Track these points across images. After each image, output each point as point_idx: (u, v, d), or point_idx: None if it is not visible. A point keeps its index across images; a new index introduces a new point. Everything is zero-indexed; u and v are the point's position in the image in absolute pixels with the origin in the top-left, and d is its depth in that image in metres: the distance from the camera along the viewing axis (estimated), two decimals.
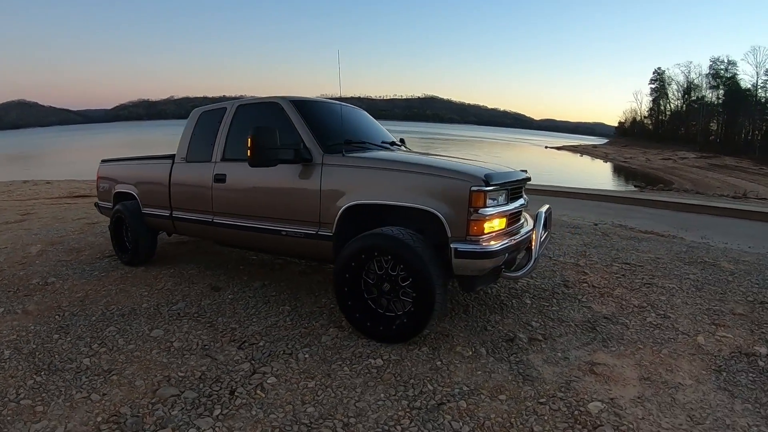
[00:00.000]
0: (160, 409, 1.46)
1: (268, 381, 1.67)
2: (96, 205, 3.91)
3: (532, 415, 1.54)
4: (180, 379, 1.67)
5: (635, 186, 16.06)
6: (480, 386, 1.71)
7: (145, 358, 1.81)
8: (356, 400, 1.58)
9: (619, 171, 25.21)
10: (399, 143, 3.15)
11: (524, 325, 2.28)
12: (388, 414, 1.49)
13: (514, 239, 2.12)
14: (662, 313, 2.53)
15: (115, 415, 1.43)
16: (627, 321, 2.39)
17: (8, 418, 1.41)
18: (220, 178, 2.68)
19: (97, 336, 1.99)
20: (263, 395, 1.57)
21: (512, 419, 1.52)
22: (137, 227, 3.18)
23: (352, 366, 1.81)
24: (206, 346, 1.95)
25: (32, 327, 2.04)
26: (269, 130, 2.17)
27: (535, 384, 1.74)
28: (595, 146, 48.11)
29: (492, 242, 1.98)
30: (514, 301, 2.65)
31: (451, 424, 1.47)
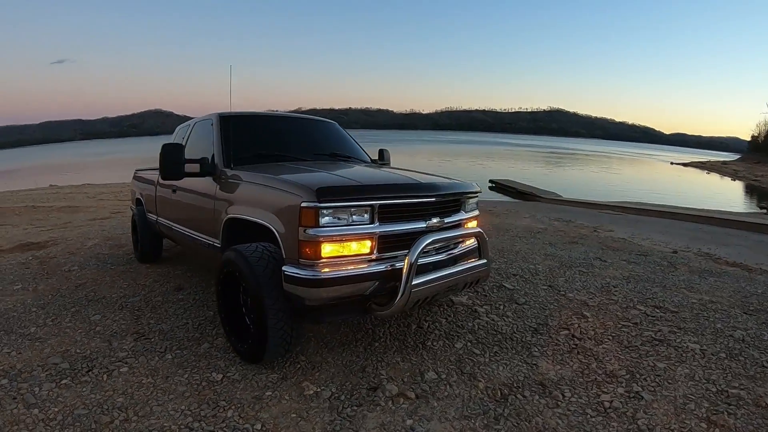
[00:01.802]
0: (36, 371, 2.19)
1: (121, 370, 2.26)
2: (130, 208, 5.36)
3: None
4: (72, 353, 2.39)
5: (761, 208, 14.85)
6: (270, 429, 1.83)
7: (68, 335, 2.63)
8: (160, 403, 1.99)
9: (747, 191, 23.67)
10: (344, 157, 3.37)
11: (414, 375, 2.28)
12: (164, 423, 1.86)
13: (382, 269, 2.07)
14: (638, 389, 2.18)
15: (12, 369, 2.22)
16: (568, 396, 2.11)
17: None
18: (174, 189, 3.41)
19: (56, 314, 2.93)
20: (104, 379, 2.16)
21: None
22: (142, 229, 4.29)
23: (193, 374, 2.24)
24: (115, 333, 2.69)
25: (28, 301, 3.14)
26: (176, 146, 2.73)
27: None
28: (724, 163, 46.66)
29: (338, 268, 1.99)
30: (442, 342, 2.68)
31: None
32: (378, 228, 2.10)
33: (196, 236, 3.07)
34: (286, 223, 2.07)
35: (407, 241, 2.16)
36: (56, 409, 1.91)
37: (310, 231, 1.95)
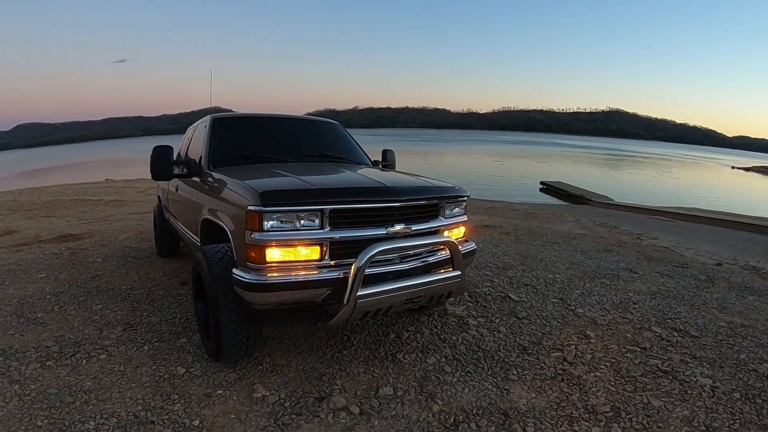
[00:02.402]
0: (30, 351, 2.52)
1: (100, 357, 2.53)
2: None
3: None
4: (65, 338, 2.72)
5: None
6: (206, 427, 1.95)
7: (68, 322, 2.99)
8: (120, 391, 2.21)
9: None
10: (335, 158, 3.44)
11: (369, 389, 2.29)
12: (116, 409, 2.06)
13: (336, 276, 2.08)
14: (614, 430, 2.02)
15: (9, 348, 2.59)
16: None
17: None
18: (177, 188, 3.70)
19: (65, 302, 3.32)
20: (82, 363, 2.44)
21: None
22: (160, 224, 4.69)
23: (160, 367, 2.45)
24: (108, 323, 3.01)
25: (46, 289, 3.61)
26: (166, 148, 2.97)
27: None
28: None
29: (285, 273, 2.05)
30: (414, 355, 2.67)
31: None
32: (329, 233, 2.12)
33: (188, 234, 3.34)
34: (237, 226, 2.19)
35: (366, 247, 2.13)
36: (33, 387, 2.21)
37: (256, 235, 2.03)
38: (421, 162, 28.70)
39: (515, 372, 2.51)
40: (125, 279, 3.98)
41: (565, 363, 2.62)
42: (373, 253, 2.05)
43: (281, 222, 2.06)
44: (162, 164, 2.95)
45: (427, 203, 2.50)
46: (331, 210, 2.13)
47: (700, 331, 3.00)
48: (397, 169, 3.81)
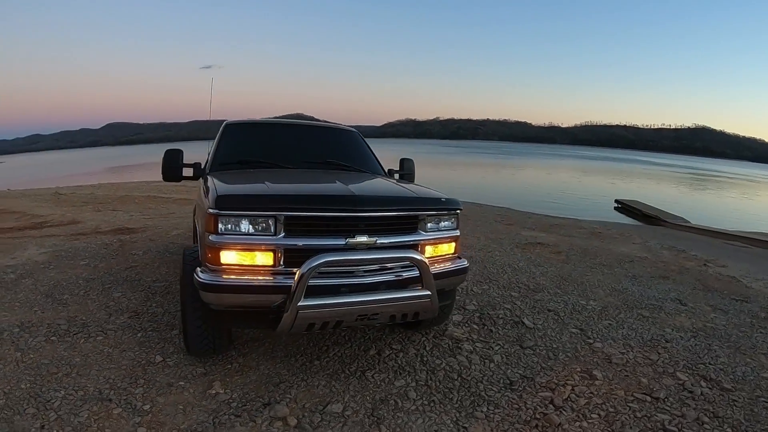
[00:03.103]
0: (43, 327, 2.97)
1: (97, 338, 2.89)
2: None
3: None
4: (76, 319, 3.14)
5: None
6: (152, 413, 2.11)
7: (86, 305, 3.45)
8: (99, 369, 2.52)
9: None
10: (340, 166, 3.52)
11: (320, 403, 2.32)
12: (87, 384, 2.36)
13: (290, 283, 2.11)
14: None
15: (28, 322, 3.07)
16: None
17: (15, 309, 3.37)
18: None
19: (92, 288, 3.83)
20: (80, 342, 2.82)
21: None
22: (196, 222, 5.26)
23: (142, 353, 2.74)
24: (119, 309, 3.39)
25: (83, 275, 4.21)
26: (176, 151, 3.32)
27: None
28: None
29: (239, 276, 2.16)
30: (385, 375, 2.65)
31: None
32: (283, 240, 2.19)
33: (198, 233, 3.70)
34: (202, 227, 2.39)
35: (295, 254, 2.20)
36: (32, 356, 2.62)
37: (212, 237, 2.19)
38: (493, 176, 28.66)
39: (485, 409, 2.36)
40: (154, 272, 4.50)
41: (550, 406, 2.40)
42: (316, 263, 2.08)
43: (236, 226, 2.18)
44: (172, 167, 3.31)
45: (401, 215, 2.46)
46: (286, 217, 2.20)
47: (734, 383, 2.56)
48: (417, 181, 3.81)
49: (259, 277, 2.21)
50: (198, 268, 2.29)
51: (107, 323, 3.16)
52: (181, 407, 2.25)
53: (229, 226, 2.19)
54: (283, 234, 2.21)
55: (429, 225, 2.57)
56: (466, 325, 3.47)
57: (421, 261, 2.31)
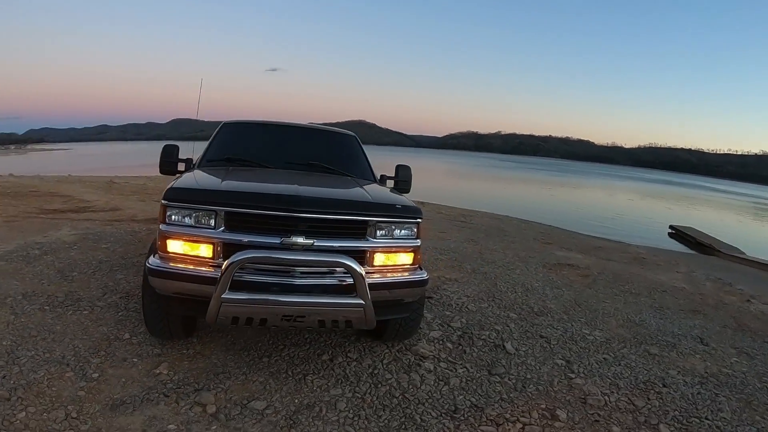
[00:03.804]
0: (42, 298, 3.46)
1: (83, 312, 3.31)
2: None
3: None
4: (74, 294, 3.61)
5: None
6: (98, 380, 2.44)
7: (88, 283, 3.93)
8: (72, 339, 2.90)
9: None
10: (322, 168, 3.65)
11: (247, 398, 2.47)
12: (56, 349, 2.74)
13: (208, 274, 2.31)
14: None
15: (32, 292, 3.57)
16: None
17: (26, 280, 3.96)
18: None
19: (100, 269, 4.31)
20: (67, 314, 3.24)
21: None
22: None
23: (114, 329, 3.10)
24: (114, 290, 3.82)
25: (99, 256, 4.78)
26: (173, 146, 3.66)
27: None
28: None
29: (181, 265, 2.39)
30: (326, 382, 2.73)
31: None
32: (222, 235, 2.40)
33: None
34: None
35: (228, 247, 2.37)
36: (22, 320, 3.09)
37: (161, 226, 2.47)
38: (548, 194, 28.42)
39: None
40: None
41: None
42: (238, 258, 2.24)
43: (181, 217, 2.44)
44: (168, 161, 3.69)
45: (346, 219, 2.53)
46: (226, 212, 2.41)
47: None
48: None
49: (199, 268, 2.42)
50: (151, 255, 2.57)
51: (98, 300, 3.60)
52: (123, 380, 2.54)
53: (176, 217, 2.44)
54: (222, 228, 2.41)
55: (379, 232, 2.63)
56: (441, 342, 3.44)
57: (354, 268, 2.35)
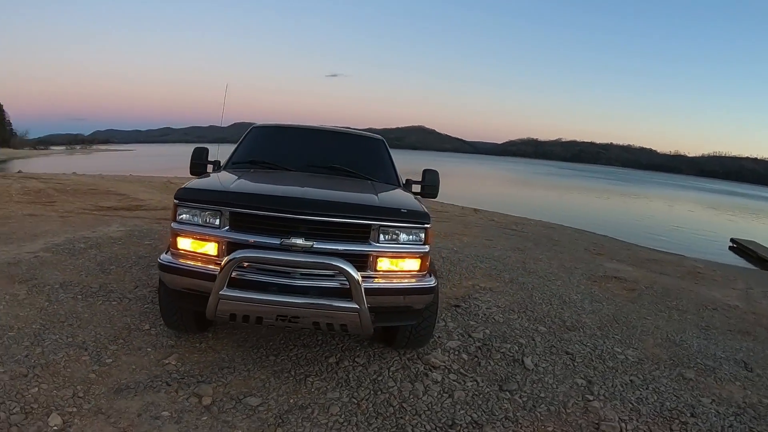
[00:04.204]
0: (77, 287, 3.79)
1: (112, 303, 3.59)
2: None
3: None
4: (107, 285, 3.92)
5: None
6: (111, 365, 2.66)
7: (122, 277, 4.24)
8: (96, 326, 3.16)
9: None
10: (344, 171, 3.73)
11: (244, 393, 2.56)
12: (78, 335, 3.00)
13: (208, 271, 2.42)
14: None
15: (69, 282, 3.97)
16: None
17: (67, 271, 4.35)
18: None
19: (137, 265, 4.66)
20: (96, 304, 3.54)
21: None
22: None
23: (137, 320, 3.34)
24: (146, 284, 4.13)
25: (139, 252, 5.12)
26: (203, 149, 3.90)
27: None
28: None
29: (189, 262, 2.54)
30: (326, 385, 2.80)
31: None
32: (226, 233, 2.52)
33: None
34: None
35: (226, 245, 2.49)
36: (55, 307, 3.41)
37: (173, 224, 2.64)
38: (607, 203, 28.21)
39: None
40: None
41: None
42: (235, 257, 2.35)
43: (190, 216, 2.59)
44: (197, 163, 3.92)
45: (348, 222, 2.55)
46: (231, 212, 2.53)
47: None
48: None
49: (205, 265, 2.56)
50: (164, 252, 2.76)
51: (129, 293, 3.89)
52: (133, 367, 2.73)
53: (185, 216, 2.61)
54: (227, 228, 2.54)
55: (383, 237, 2.62)
56: (456, 353, 3.37)
57: (348, 271, 2.37)
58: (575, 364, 3.35)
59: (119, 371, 2.68)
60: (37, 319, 3.18)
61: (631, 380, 3.14)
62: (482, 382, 3.00)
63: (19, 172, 18.81)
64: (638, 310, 4.91)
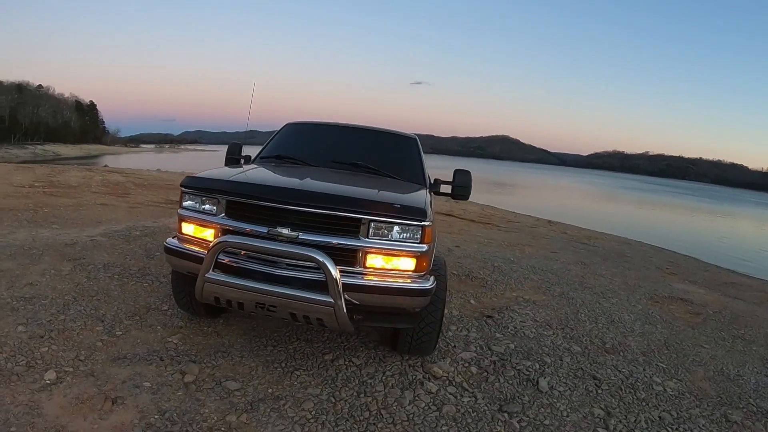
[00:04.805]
0: (116, 269, 4.31)
1: (143, 284, 4.00)
2: None
3: None
4: (145, 269, 4.36)
5: None
6: (119, 337, 2.95)
7: (163, 261, 4.65)
8: (117, 304, 3.53)
9: None
10: (366, 168, 3.77)
11: (222, 377, 2.72)
12: (100, 310, 3.38)
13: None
14: None
15: (112, 264, 4.45)
16: None
17: (115, 254, 4.90)
18: None
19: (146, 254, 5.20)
20: (128, 284, 3.95)
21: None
22: None
23: (157, 300, 3.66)
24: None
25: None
26: (236, 145, 4.20)
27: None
28: None
29: (190, 246, 2.77)
30: (306, 380, 2.87)
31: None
32: (221, 220, 2.69)
33: None
34: None
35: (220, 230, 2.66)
36: (91, 283, 3.86)
37: (179, 210, 2.89)
38: (691, 221, 27.47)
39: None
40: None
41: None
42: (218, 241, 2.52)
43: (193, 202, 2.82)
44: (231, 158, 4.24)
45: (336, 215, 2.58)
46: (227, 201, 2.70)
47: None
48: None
49: (201, 250, 2.73)
50: (172, 237, 3.01)
51: (163, 277, 4.27)
52: (138, 341, 3.02)
53: (189, 202, 2.84)
54: (223, 215, 2.71)
55: (374, 232, 2.60)
56: (466, 365, 3.24)
57: (324, 263, 2.39)
58: (599, 391, 3.04)
59: (124, 343, 2.97)
60: (71, 292, 3.63)
61: (660, 417, 2.77)
62: (482, 399, 2.84)
63: (105, 166, 21.34)
64: (697, 336, 4.50)
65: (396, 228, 2.62)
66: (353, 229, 2.60)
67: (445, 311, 4.17)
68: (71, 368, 2.60)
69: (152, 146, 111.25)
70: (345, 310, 2.45)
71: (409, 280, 2.68)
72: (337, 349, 3.22)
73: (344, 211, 2.59)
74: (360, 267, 2.62)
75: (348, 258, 2.60)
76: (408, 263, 2.66)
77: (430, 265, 2.85)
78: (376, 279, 2.65)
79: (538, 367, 3.29)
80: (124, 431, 2.18)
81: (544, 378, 3.13)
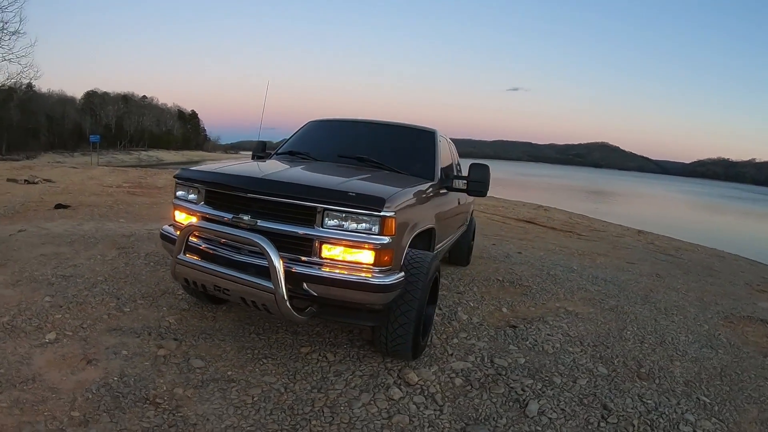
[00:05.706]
0: (142, 257, 4.98)
1: (159, 270, 4.56)
2: None
3: None
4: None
5: None
6: (124, 313, 3.44)
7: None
8: (134, 284, 4.10)
9: None
10: (370, 163, 3.93)
11: (195, 356, 3.06)
12: (119, 286, 3.96)
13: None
14: None
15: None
16: None
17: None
18: None
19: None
20: (142, 271, 4.57)
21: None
22: None
23: (171, 285, 4.15)
24: None
25: None
26: (262, 143, 4.69)
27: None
28: None
29: (177, 231, 3.09)
30: (274, 368, 3.08)
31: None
32: (200, 208, 3.05)
33: None
34: None
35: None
36: (127, 268, 4.52)
37: (173, 199, 3.32)
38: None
39: None
40: None
41: None
42: (186, 225, 2.90)
43: (183, 192, 3.23)
44: (255, 154, 4.75)
45: (291, 203, 2.75)
46: (206, 190, 3.06)
47: None
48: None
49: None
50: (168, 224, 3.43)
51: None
52: (140, 318, 3.50)
53: (180, 192, 3.26)
54: (203, 203, 3.08)
55: (329, 222, 2.70)
56: (452, 375, 3.14)
57: (266, 249, 2.55)
58: (602, 424, 2.70)
59: (127, 318, 3.46)
60: (104, 274, 4.31)
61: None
62: (448, 415, 2.71)
63: None
64: (766, 366, 3.94)
65: (351, 218, 2.68)
66: (309, 217, 2.73)
67: (467, 317, 4.08)
68: (71, 332, 3.13)
69: (250, 152, 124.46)
70: (286, 298, 2.57)
71: (369, 275, 2.71)
72: (316, 344, 3.36)
73: (298, 199, 2.74)
74: (316, 257, 2.73)
75: (304, 247, 2.73)
76: (366, 256, 2.71)
77: (397, 260, 2.86)
78: (331, 270, 2.73)
79: (539, 387, 3.05)
80: (84, 386, 2.58)
81: (537, 401, 2.88)
